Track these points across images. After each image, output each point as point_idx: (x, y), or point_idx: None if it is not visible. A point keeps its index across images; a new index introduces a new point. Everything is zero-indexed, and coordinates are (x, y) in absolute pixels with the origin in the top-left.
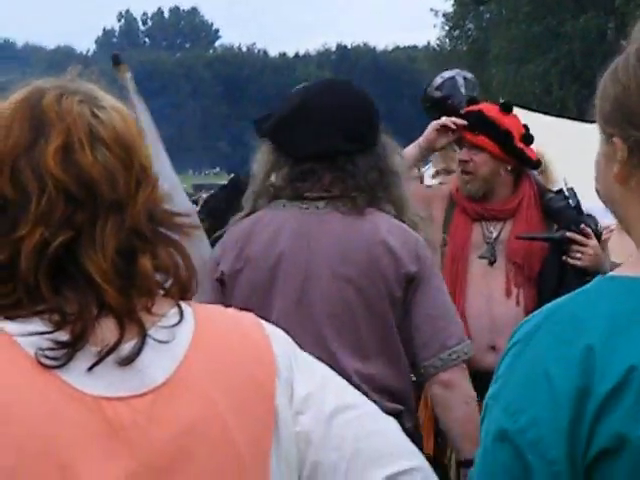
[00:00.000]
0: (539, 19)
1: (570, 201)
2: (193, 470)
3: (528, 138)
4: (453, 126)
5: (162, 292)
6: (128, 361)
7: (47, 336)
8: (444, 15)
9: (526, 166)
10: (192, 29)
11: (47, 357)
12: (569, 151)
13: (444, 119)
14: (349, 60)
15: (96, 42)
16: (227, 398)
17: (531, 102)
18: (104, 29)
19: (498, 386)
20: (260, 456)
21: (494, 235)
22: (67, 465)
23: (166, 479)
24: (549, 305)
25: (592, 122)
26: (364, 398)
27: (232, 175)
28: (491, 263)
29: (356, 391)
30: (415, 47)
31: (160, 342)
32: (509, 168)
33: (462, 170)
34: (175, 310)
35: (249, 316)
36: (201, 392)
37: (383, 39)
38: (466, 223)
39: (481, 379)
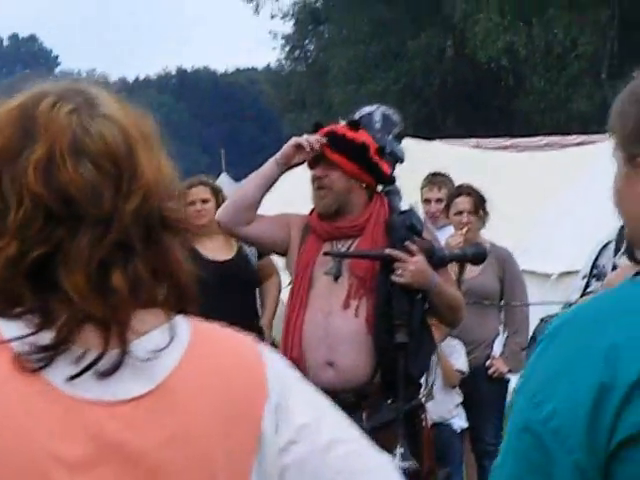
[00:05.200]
0: (378, 38)
1: (406, 220)
2: None
3: (382, 151)
4: (308, 147)
5: (159, 302)
6: (107, 374)
7: (30, 339)
8: (283, 37)
9: (380, 180)
10: (32, 56)
11: (29, 360)
12: (410, 169)
13: (302, 138)
14: (190, 84)
15: None
16: (212, 416)
17: None
18: None
19: (523, 380)
20: (238, 477)
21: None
22: (42, 469)
23: None
24: (574, 306)
25: (429, 139)
26: (359, 433)
27: None
28: (336, 278)
29: (352, 425)
30: (255, 69)
31: (143, 356)
32: (364, 185)
33: (318, 186)
34: (165, 325)
35: (247, 337)
36: (186, 406)
37: (223, 63)
38: (315, 242)
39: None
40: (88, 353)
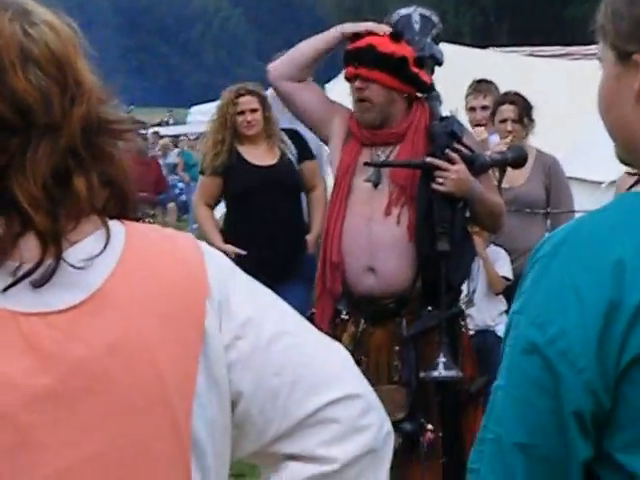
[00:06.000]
0: None
1: (447, 126)
2: (113, 390)
3: (421, 61)
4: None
5: (97, 209)
6: (41, 283)
7: None
8: None
9: (421, 90)
10: None
11: None
12: (464, 77)
13: (349, 26)
14: None
15: None
16: (152, 318)
17: None
18: None
19: (522, 300)
20: (185, 377)
21: (381, 159)
22: None
23: (84, 398)
24: (572, 222)
25: (485, 47)
26: (306, 323)
27: (131, 107)
28: (375, 185)
29: (299, 317)
30: None
31: (76, 264)
32: (404, 95)
33: (358, 98)
34: (101, 230)
35: (185, 236)
36: (124, 311)
37: None
38: (355, 148)
39: (359, 302)
40: (23, 265)
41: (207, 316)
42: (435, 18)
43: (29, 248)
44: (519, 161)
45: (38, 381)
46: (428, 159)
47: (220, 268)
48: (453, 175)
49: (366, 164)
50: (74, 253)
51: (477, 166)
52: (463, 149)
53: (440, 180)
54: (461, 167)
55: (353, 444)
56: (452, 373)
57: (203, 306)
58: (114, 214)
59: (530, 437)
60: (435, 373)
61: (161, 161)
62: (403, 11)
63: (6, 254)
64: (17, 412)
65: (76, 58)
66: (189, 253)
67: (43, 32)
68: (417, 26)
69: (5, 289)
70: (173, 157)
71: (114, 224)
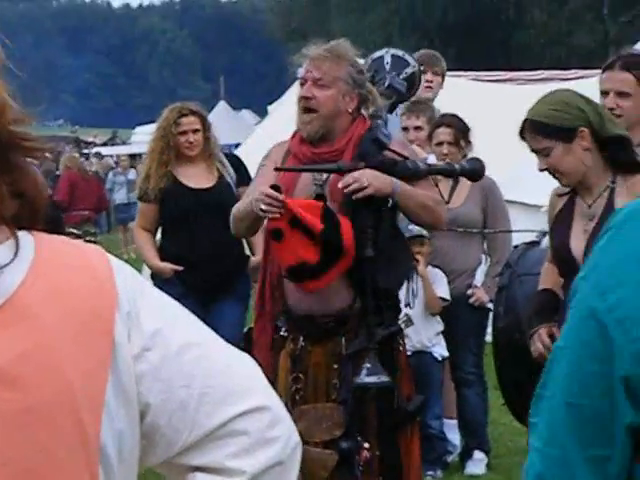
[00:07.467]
0: None
1: (372, 134)
2: (21, 399)
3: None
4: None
5: (6, 219)
6: None
7: None
8: None
9: None
10: None
11: None
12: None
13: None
14: (193, 11)
15: None
16: (62, 328)
17: (372, 52)
18: None
19: (589, 267)
20: (94, 388)
21: (324, 177)
22: None
23: None
24: None
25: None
26: (215, 336)
27: (76, 127)
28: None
29: (207, 329)
30: None
31: None
32: (350, 110)
33: (304, 108)
34: (10, 240)
35: (94, 248)
36: (34, 321)
37: None
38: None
39: (298, 321)
40: None
41: (116, 326)
42: (409, 58)
43: None
44: (477, 173)
45: None
46: (339, 163)
47: (129, 280)
48: (363, 179)
49: (276, 169)
50: None
51: (400, 169)
52: (391, 154)
53: (356, 185)
54: (364, 171)
55: (261, 456)
56: (373, 379)
57: (112, 316)
58: (25, 225)
59: (578, 398)
60: (357, 379)
61: (123, 177)
62: (376, 54)
63: None
64: None
65: None
66: (98, 264)
67: None
68: (388, 66)
69: None
70: (133, 174)
71: (23, 234)
